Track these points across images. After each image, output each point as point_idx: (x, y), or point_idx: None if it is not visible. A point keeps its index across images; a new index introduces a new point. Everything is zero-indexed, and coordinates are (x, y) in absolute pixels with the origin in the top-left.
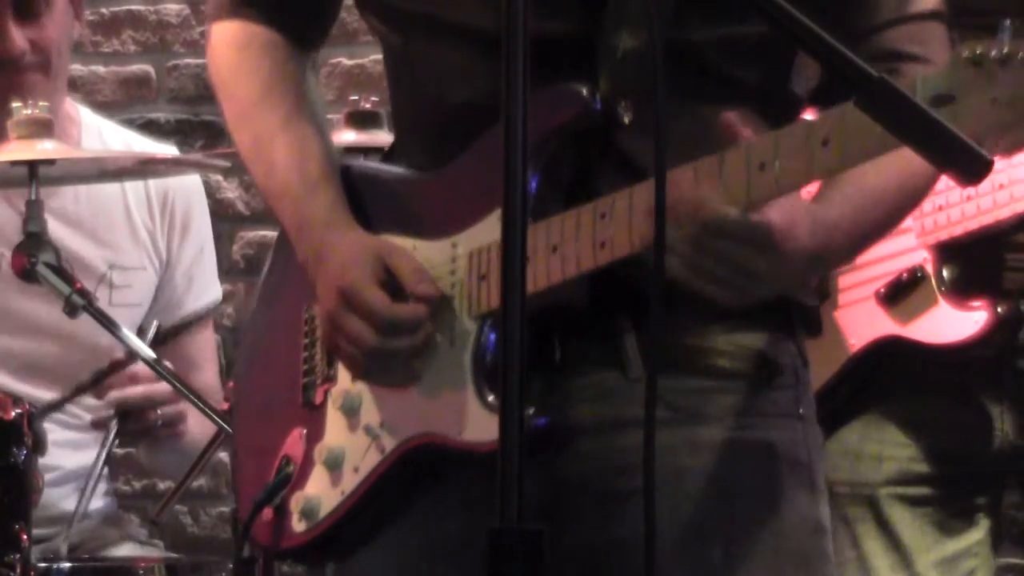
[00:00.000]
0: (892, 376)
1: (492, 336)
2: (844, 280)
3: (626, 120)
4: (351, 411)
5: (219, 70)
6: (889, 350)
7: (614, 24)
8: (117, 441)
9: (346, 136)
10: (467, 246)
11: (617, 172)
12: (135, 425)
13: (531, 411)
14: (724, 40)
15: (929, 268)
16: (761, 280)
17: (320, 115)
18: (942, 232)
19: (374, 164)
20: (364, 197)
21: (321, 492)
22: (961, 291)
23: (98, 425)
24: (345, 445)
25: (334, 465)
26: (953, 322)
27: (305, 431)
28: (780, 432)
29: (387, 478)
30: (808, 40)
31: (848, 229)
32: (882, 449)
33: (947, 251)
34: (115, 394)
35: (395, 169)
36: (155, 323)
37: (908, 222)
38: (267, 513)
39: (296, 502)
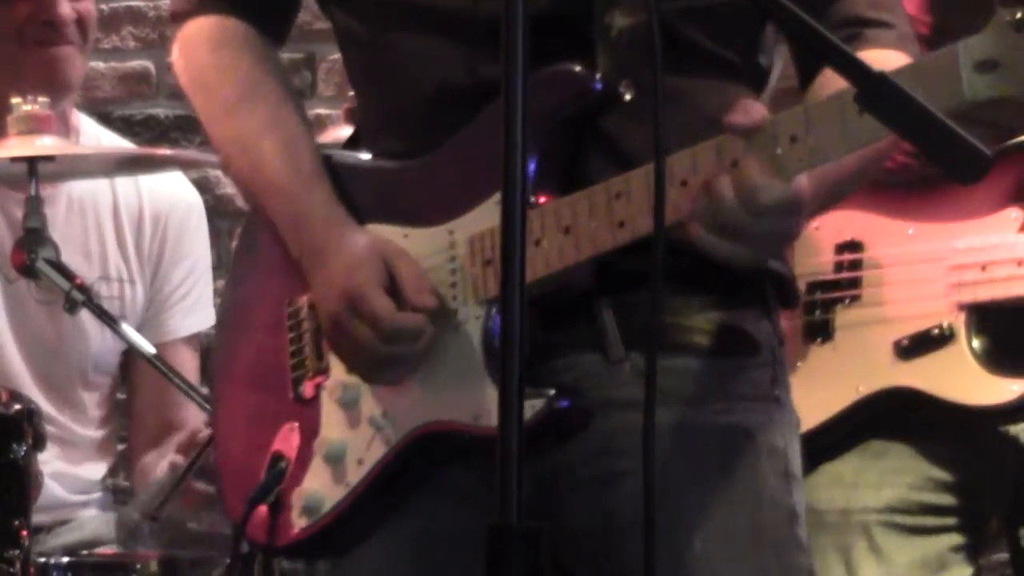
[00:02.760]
0: (899, 419)
1: (500, 320)
2: (857, 321)
3: (628, 97)
4: (350, 403)
5: (197, 67)
6: (901, 399)
7: (606, 3)
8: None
9: (345, 132)
10: (466, 232)
11: (607, 157)
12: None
13: (552, 393)
14: (696, 11)
15: (959, 327)
16: (788, 240)
17: (303, 111)
18: (981, 289)
19: (354, 155)
20: (349, 188)
21: (323, 486)
22: (992, 362)
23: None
24: (346, 438)
25: (336, 459)
26: (987, 386)
27: (297, 425)
28: (758, 417)
29: (392, 469)
30: (809, 38)
31: (819, 179)
32: (881, 477)
33: (981, 316)
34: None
35: (376, 159)
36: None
37: (940, 274)
38: (261, 510)
39: (297, 497)
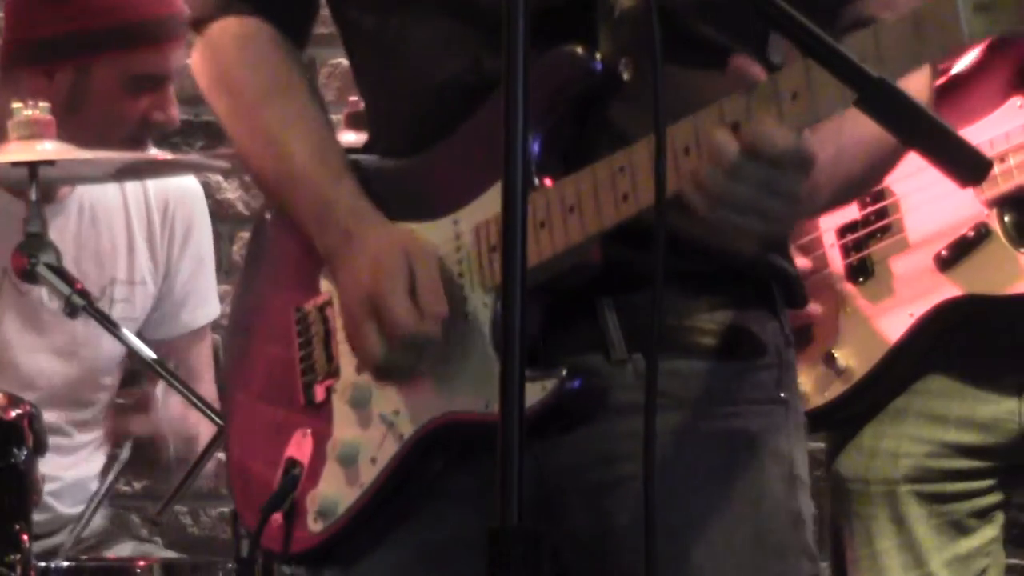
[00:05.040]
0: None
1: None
2: (893, 250)
3: (626, 77)
4: (361, 403)
5: (222, 64)
6: (953, 313)
7: None
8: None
9: (346, 137)
10: (471, 221)
11: (610, 141)
12: (148, 456)
13: (564, 373)
14: (707, 5)
15: (993, 222)
16: (799, 205)
17: (328, 112)
18: (1003, 181)
19: (363, 157)
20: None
21: (338, 488)
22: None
23: (112, 439)
24: (359, 438)
25: (349, 460)
26: None
27: (309, 430)
28: (762, 420)
29: (406, 465)
30: (806, 39)
31: (830, 172)
32: (898, 445)
33: (1011, 206)
34: (124, 428)
35: (382, 159)
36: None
37: None
38: (276, 519)
39: (312, 501)
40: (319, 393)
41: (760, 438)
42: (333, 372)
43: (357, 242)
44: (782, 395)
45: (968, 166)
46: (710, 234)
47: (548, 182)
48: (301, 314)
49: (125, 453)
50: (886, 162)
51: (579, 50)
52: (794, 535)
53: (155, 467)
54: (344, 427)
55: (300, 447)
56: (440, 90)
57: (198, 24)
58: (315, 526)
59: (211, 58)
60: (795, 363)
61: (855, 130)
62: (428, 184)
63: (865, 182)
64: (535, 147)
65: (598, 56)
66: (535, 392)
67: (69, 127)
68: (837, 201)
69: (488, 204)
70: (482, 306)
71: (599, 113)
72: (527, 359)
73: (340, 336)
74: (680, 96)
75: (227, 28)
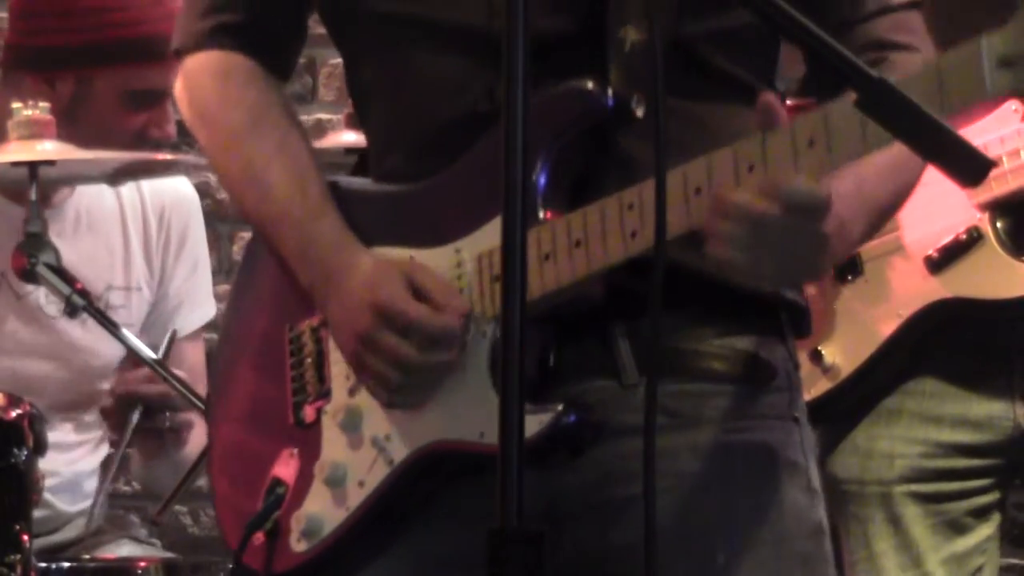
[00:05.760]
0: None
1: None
2: (883, 251)
3: (639, 113)
4: (352, 426)
5: (201, 100)
6: (941, 314)
7: (619, 18)
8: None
9: (346, 137)
10: (473, 250)
11: (620, 175)
12: (146, 423)
13: (560, 408)
14: (716, 35)
15: (985, 226)
16: (829, 245)
17: (309, 140)
18: (997, 184)
19: (359, 180)
20: (354, 213)
21: (324, 509)
22: (1017, 244)
23: (108, 414)
24: (348, 460)
25: (336, 482)
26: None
27: (296, 450)
28: (776, 434)
29: (394, 491)
30: (807, 40)
31: (856, 204)
32: (893, 446)
33: (1004, 210)
34: (132, 388)
35: (380, 181)
36: (172, 330)
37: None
38: (258, 537)
39: (296, 521)
40: (309, 414)
41: (776, 450)
42: (324, 393)
43: (343, 272)
44: (795, 415)
45: (969, 166)
46: (720, 270)
47: (549, 215)
48: (294, 334)
49: (135, 417)
50: (909, 185)
51: (591, 85)
52: (816, 544)
53: (149, 435)
54: (333, 448)
55: (286, 467)
56: (452, 121)
57: (179, 54)
58: (298, 546)
59: (190, 91)
60: (801, 386)
61: (873, 158)
62: (430, 211)
63: (893, 207)
64: (541, 180)
65: (610, 92)
66: (532, 425)
67: (66, 135)
68: (871, 230)
69: (491, 234)
70: (480, 335)
71: (609, 147)
72: (534, 385)
73: (333, 357)
74: (695, 129)
75: (206, 62)
